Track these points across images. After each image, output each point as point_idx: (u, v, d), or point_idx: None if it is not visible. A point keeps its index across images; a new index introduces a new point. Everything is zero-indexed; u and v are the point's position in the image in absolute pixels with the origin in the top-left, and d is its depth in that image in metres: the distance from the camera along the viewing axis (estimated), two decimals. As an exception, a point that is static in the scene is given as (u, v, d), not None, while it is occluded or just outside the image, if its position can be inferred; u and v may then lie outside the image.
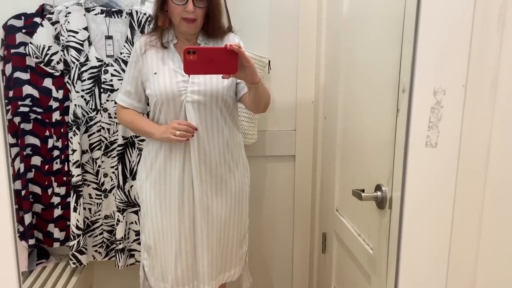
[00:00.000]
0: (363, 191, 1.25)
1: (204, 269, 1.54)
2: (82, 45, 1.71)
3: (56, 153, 1.79)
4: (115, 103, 1.60)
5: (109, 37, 1.74)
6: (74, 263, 1.78)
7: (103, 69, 1.72)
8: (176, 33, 1.50)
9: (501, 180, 0.91)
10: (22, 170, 1.75)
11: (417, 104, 0.81)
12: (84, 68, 1.71)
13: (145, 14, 1.72)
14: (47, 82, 1.75)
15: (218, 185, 1.52)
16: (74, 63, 1.71)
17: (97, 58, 1.72)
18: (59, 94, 1.76)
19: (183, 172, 1.48)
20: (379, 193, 1.19)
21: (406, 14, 0.90)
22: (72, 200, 1.75)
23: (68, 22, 1.69)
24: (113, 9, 1.73)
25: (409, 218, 0.89)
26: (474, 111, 0.85)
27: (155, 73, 1.46)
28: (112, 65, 1.73)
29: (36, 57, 1.70)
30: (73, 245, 1.77)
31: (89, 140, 1.77)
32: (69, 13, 1.69)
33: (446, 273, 0.93)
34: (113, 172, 1.80)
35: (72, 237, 1.76)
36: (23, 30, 1.71)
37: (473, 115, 0.85)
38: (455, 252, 0.92)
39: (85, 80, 1.72)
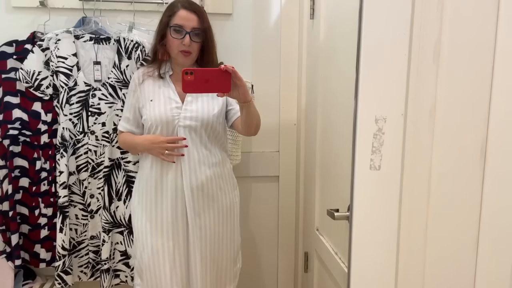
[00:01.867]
0: (337, 210, 1.30)
1: (198, 286, 1.57)
2: (71, 70, 1.77)
3: (43, 174, 1.83)
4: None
5: (97, 63, 1.81)
6: (59, 284, 1.81)
7: (91, 93, 1.79)
8: (172, 66, 1.63)
9: (442, 199, 0.98)
10: (10, 191, 1.79)
11: (361, 130, 0.88)
12: (72, 92, 1.78)
13: (132, 41, 1.79)
14: (37, 106, 1.81)
15: (210, 203, 1.59)
16: (63, 87, 1.77)
17: (85, 83, 1.78)
18: (48, 117, 1.81)
19: (175, 193, 1.55)
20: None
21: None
22: (58, 221, 1.78)
23: (58, 49, 1.76)
24: (101, 36, 1.81)
25: (357, 236, 0.94)
26: (415, 137, 0.92)
27: (151, 100, 1.57)
28: (99, 89, 1.79)
29: (26, 82, 1.77)
30: (59, 265, 1.79)
31: (76, 162, 1.81)
32: (59, 40, 1.76)
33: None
34: (99, 193, 1.84)
35: (58, 257, 1.79)
36: (14, 56, 1.78)
37: (414, 140, 0.92)
38: (402, 271, 0.98)
39: (73, 103, 1.78)
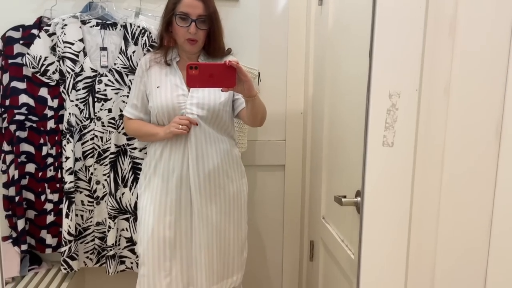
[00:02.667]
0: (344, 197, 1.29)
1: (202, 274, 1.57)
2: (77, 56, 1.77)
3: (50, 160, 1.83)
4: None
5: (103, 49, 1.80)
6: (65, 269, 1.81)
7: (97, 79, 1.78)
8: (179, 52, 1.61)
9: (456, 177, 0.97)
10: (16, 177, 1.79)
11: (374, 106, 0.87)
12: (79, 78, 1.77)
13: (138, 26, 1.78)
14: (43, 92, 1.80)
15: (217, 191, 1.58)
16: (69, 73, 1.76)
17: (91, 69, 1.77)
18: (54, 103, 1.81)
19: (180, 180, 1.54)
20: (359, 198, 1.23)
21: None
22: (64, 206, 1.79)
23: (65, 34, 1.75)
24: (108, 22, 1.80)
25: (368, 215, 0.93)
26: (429, 114, 0.90)
27: (157, 87, 1.56)
28: (106, 76, 1.78)
29: (33, 67, 1.76)
30: (65, 251, 1.80)
31: (83, 148, 1.81)
32: (66, 25, 1.75)
33: (406, 270, 0.97)
34: (105, 180, 1.84)
35: (63, 243, 1.80)
36: (21, 41, 1.77)
37: (428, 117, 0.91)
38: (414, 249, 0.97)
39: (79, 89, 1.77)
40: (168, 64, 1.59)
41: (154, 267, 1.56)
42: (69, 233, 1.79)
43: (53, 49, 1.77)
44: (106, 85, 1.78)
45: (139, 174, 1.71)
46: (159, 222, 1.55)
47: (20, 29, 1.78)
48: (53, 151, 1.83)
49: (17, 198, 1.79)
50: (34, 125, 1.81)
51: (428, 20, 0.87)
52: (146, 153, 1.68)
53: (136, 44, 1.79)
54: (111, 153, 1.81)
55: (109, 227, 1.83)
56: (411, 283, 0.99)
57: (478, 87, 0.91)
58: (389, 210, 0.93)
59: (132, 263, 1.90)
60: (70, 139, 1.77)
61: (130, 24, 1.79)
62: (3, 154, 1.80)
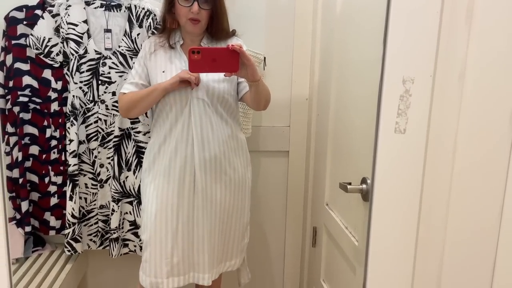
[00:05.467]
0: (350, 184, 1.29)
1: (204, 258, 1.57)
2: (81, 37, 1.74)
3: (53, 143, 1.82)
4: (114, 94, 1.68)
5: (108, 31, 1.78)
6: (69, 251, 1.82)
7: (101, 61, 1.76)
8: (182, 34, 1.58)
9: (468, 166, 0.96)
10: (20, 158, 1.79)
11: (387, 92, 0.86)
12: (82, 60, 1.75)
13: (143, 8, 1.76)
14: (47, 73, 1.79)
15: (222, 177, 1.57)
16: (73, 55, 1.74)
17: (95, 51, 1.76)
18: (58, 85, 1.79)
19: (185, 164, 1.53)
20: (364, 185, 1.22)
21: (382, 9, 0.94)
22: (68, 189, 1.79)
23: (68, 15, 1.73)
24: (112, 3, 1.77)
25: (378, 202, 0.93)
26: (442, 101, 0.89)
27: (163, 72, 1.54)
28: (110, 58, 1.76)
29: (36, 49, 1.74)
30: (68, 233, 1.80)
31: (86, 130, 1.80)
32: (69, 6, 1.73)
33: (414, 258, 0.97)
34: (109, 163, 1.83)
35: (67, 225, 1.80)
36: (24, 22, 1.75)
37: (441, 104, 0.89)
38: (423, 237, 0.96)
39: (83, 72, 1.76)
40: (172, 48, 1.57)
41: (156, 254, 1.56)
42: (72, 216, 1.79)
43: (57, 30, 1.75)
44: (110, 67, 1.77)
45: (143, 158, 1.70)
46: (161, 209, 1.54)
47: (24, 10, 1.75)
48: (57, 134, 1.82)
49: (20, 180, 1.79)
50: (38, 107, 1.80)
51: (444, 4, 0.85)
52: (150, 137, 1.67)
53: (140, 26, 1.76)
54: (115, 137, 1.80)
55: (113, 210, 1.83)
56: (419, 270, 0.99)
57: (494, 74, 0.90)
58: (399, 197, 0.93)
59: (135, 246, 1.91)
60: (74, 121, 1.76)
61: (135, 6, 1.76)
62: (6, 136, 1.79)
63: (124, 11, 1.77)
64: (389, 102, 0.86)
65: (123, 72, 1.78)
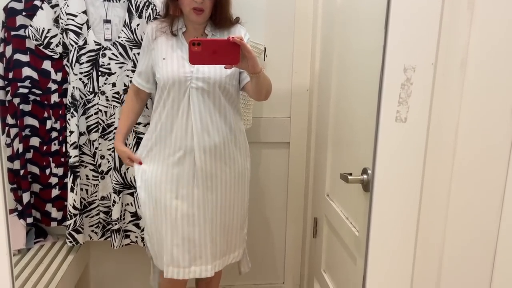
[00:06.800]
0: (350, 174, 1.29)
1: (207, 250, 1.58)
2: (80, 28, 1.74)
3: (54, 134, 1.82)
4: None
5: (107, 21, 1.77)
6: (70, 242, 1.83)
7: (101, 52, 1.75)
8: (185, 22, 1.57)
9: (469, 155, 0.96)
10: (20, 150, 1.79)
11: (388, 80, 0.85)
12: (82, 51, 1.74)
13: (143, -1, 1.74)
14: (46, 65, 1.78)
15: (223, 167, 1.57)
16: (72, 46, 1.74)
17: (95, 42, 1.75)
18: (58, 77, 1.79)
19: (184, 154, 1.53)
20: (365, 176, 1.22)
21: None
22: (69, 180, 1.79)
23: (68, 6, 1.72)
24: (111, -6, 1.76)
25: (379, 192, 0.92)
26: (444, 89, 0.88)
27: (164, 58, 1.53)
28: (110, 49, 1.76)
29: (36, 40, 1.74)
30: (70, 224, 1.81)
31: (87, 122, 1.80)
32: (69, -4, 1.72)
33: (414, 249, 0.97)
34: (110, 154, 1.83)
35: (69, 216, 1.81)
36: (23, 13, 1.74)
37: (443, 92, 0.88)
38: (423, 228, 0.96)
39: (83, 63, 1.75)
40: (174, 35, 1.56)
41: (159, 242, 1.57)
42: (74, 207, 1.80)
43: (56, 21, 1.74)
44: (110, 58, 1.76)
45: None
46: (160, 196, 1.55)
47: (23, 0, 1.74)
48: (57, 125, 1.82)
49: (22, 172, 1.80)
50: (38, 98, 1.80)
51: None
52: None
53: (140, 17, 1.75)
54: (115, 128, 1.80)
55: (114, 201, 1.83)
56: (419, 260, 0.99)
57: (496, 62, 0.89)
58: (400, 187, 0.92)
59: (137, 237, 1.92)
60: (74, 113, 1.76)
61: (134, -4, 1.75)
62: (7, 128, 1.79)
63: (124, 1, 1.76)
64: (390, 90, 0.85)
65: (123, 63, 1.77)
